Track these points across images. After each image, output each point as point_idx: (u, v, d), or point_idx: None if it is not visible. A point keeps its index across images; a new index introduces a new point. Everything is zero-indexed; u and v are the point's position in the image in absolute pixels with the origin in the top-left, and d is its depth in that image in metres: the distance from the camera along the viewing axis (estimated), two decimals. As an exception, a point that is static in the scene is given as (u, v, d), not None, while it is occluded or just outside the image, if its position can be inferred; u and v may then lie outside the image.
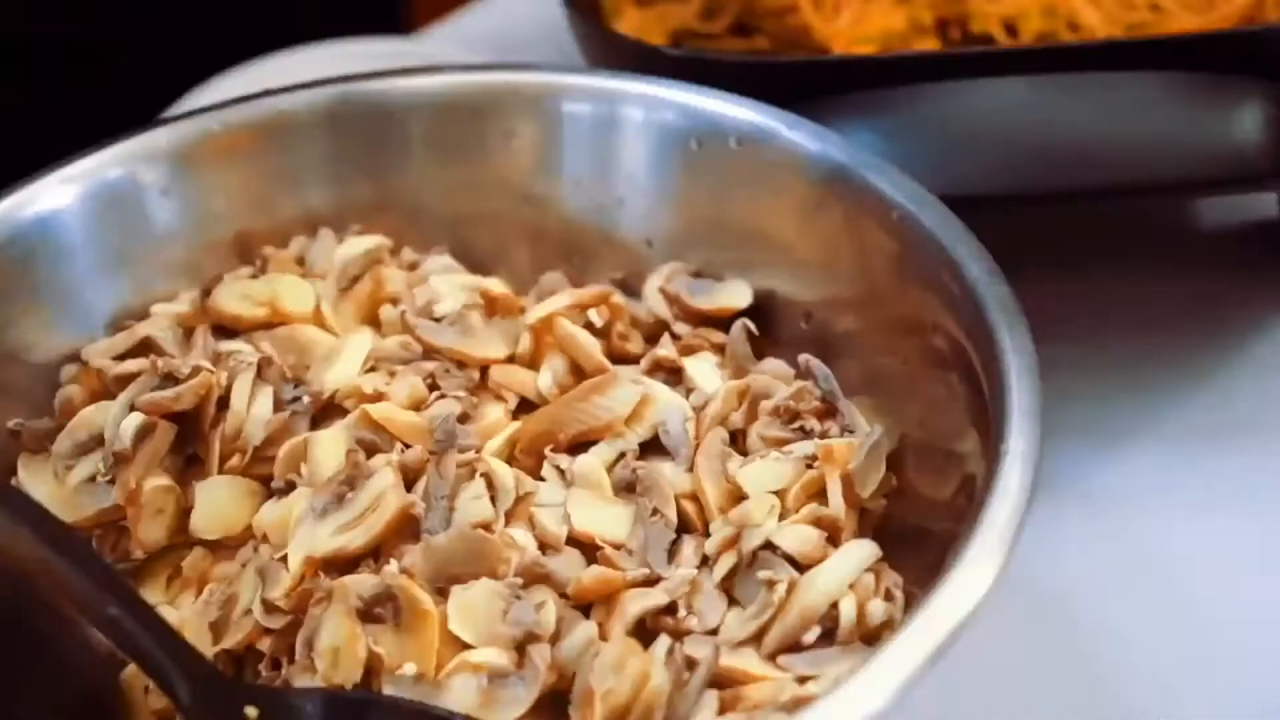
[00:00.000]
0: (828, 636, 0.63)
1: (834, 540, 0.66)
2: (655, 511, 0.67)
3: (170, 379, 0.70)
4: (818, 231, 0.74)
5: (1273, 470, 0.83)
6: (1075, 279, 0.91)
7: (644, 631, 0.63)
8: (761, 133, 0.75)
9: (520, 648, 0.62)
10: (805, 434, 0.70)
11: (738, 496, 0.68)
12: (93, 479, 0.69)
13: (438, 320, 0.75)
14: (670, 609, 0.64)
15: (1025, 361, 0.63)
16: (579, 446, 0.71)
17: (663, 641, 0.62)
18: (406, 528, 0.66)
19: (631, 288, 0.79)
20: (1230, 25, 0.92)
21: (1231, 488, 0.82)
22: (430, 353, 0.74)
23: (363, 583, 0.63)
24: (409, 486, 0.67)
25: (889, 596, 0.64)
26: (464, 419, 0.71)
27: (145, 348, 0.74)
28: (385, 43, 1.07)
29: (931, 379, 0.68)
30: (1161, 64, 0.80)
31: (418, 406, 0.72)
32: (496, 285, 0.77)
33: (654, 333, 0.77)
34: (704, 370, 0.74)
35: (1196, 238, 0.94)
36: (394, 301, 0.77)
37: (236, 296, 0.76)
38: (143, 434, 0.69)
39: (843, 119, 0.80)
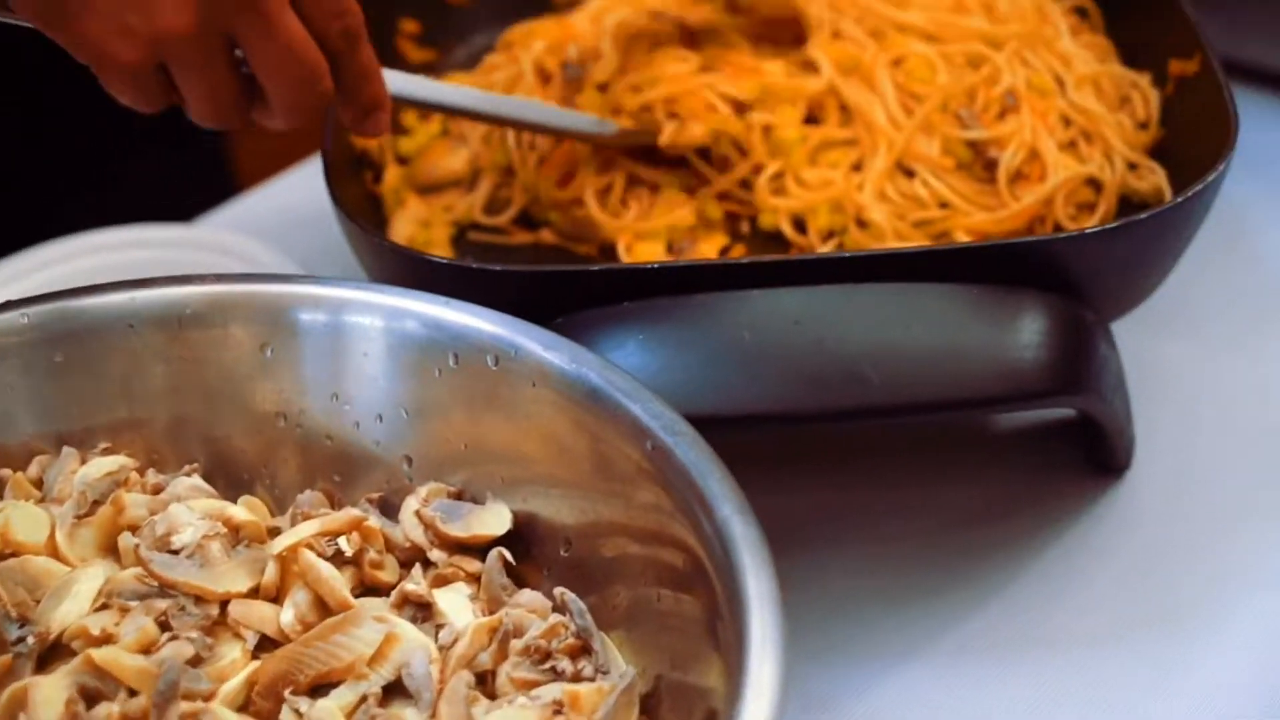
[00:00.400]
0: None
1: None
2: (392, 763, 0.64)
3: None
4: (574, 456, 0.71)
5: (1059, 685, 0.80)
6: (859, 483, 0.89)
7: None
8: (518, 352, 0.72)
9: None
10: (557, 674, 0.67)
11: (480, 745, 0.64)
12: None
13: (176, 552, 0.71)
14: None
15: (770, 614, 0.60)
16: (321, 687, 0.67)
17: None
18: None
19: (392, 505, 0.76)
20: (1020, 223, 0.91)
21: (1015, 707, 0.79)
22: (167, 587, 0.70)
23: None
24: (131, 739, 0.63)
25: None
26: (196, 661, 0.67)
27: None
28: (166, 230, 1.04)
29: (684, 615, 0.66)
30: (940, 275, 0.78)
31: (148, 648, 0.68)
32: (240, 512, 0.74)
33: (411, 557, 0.74)
34: (456, 604, 0.71)
35: (992, 437, 0.92)
36: (134, 529, 0.73)
37: (-36, 525, 0.72)
38: None
39: (614, 329, 0.78)
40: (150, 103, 0.79)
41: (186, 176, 1.17)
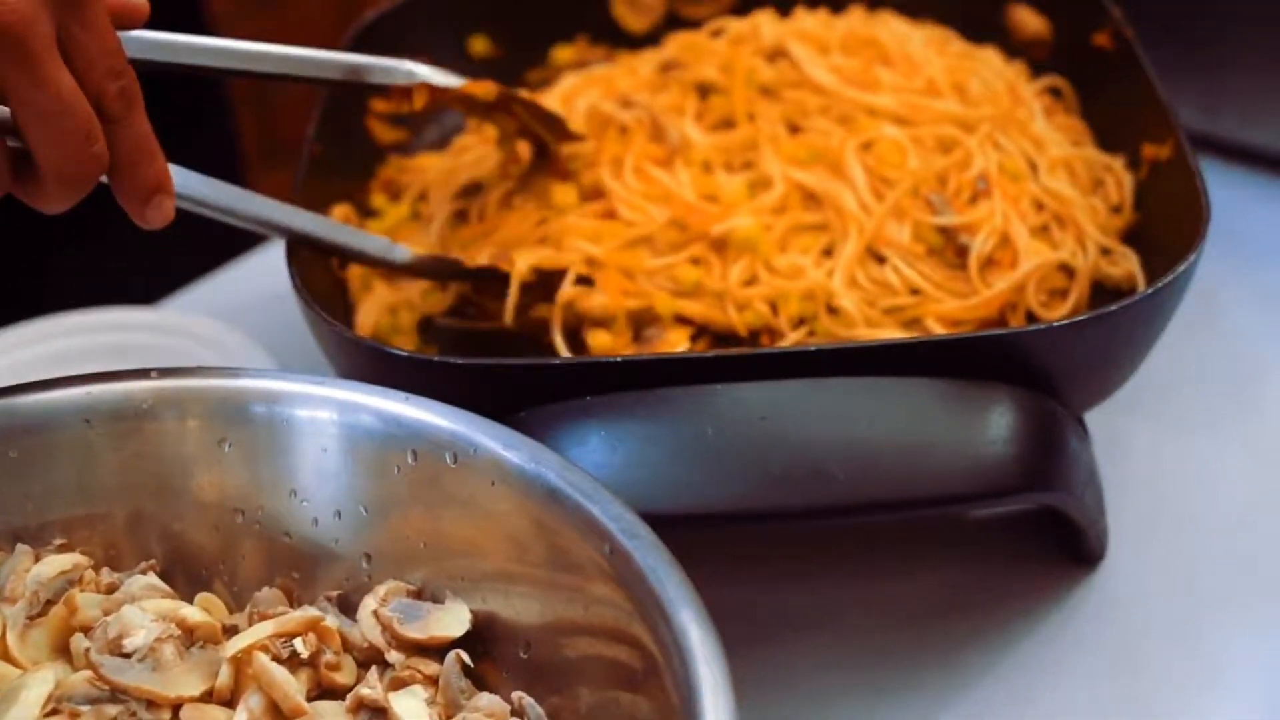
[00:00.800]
0: None
1: None
2: None
3: None
4: (534, 555, 0.70)
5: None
6: (825, 573, 0.88)
7: None
8: (477, 449, 0.71)
9: None
10: (514, 782, 0.66)
11: None
12: None
13: (129, 655, 0.70)
14: None
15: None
16: (273, 796, 0.66)
17: None
18: None
19: (352, 603, 0.75)
20: (992, 310, 0.90)
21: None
22: (118, 691, 0.69)
23: None
24: None
25: None
26: (146, 769, 0.66)
27: None
28: (126, 312, 1.03)
29: (643, 721, 0.65)
30: (908, 367, 0.77)
31: (97, 755, 0.66)
32: (195, 613, 0.72)
33: (369, 658, 0.73)
34: (413, 708, 0.69)
35: (962, 525, 0.91)
36: (86, 630, 0.72)
37: (-89, 629, 0.71)
38: None
39: (577, 424, 0.77)
40: None
41: (148, 258, 1.16)
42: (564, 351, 0.90)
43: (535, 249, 0.92)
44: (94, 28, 0.73)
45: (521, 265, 0.91)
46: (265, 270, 1.12)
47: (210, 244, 1.14)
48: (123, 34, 0.77)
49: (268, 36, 0.90)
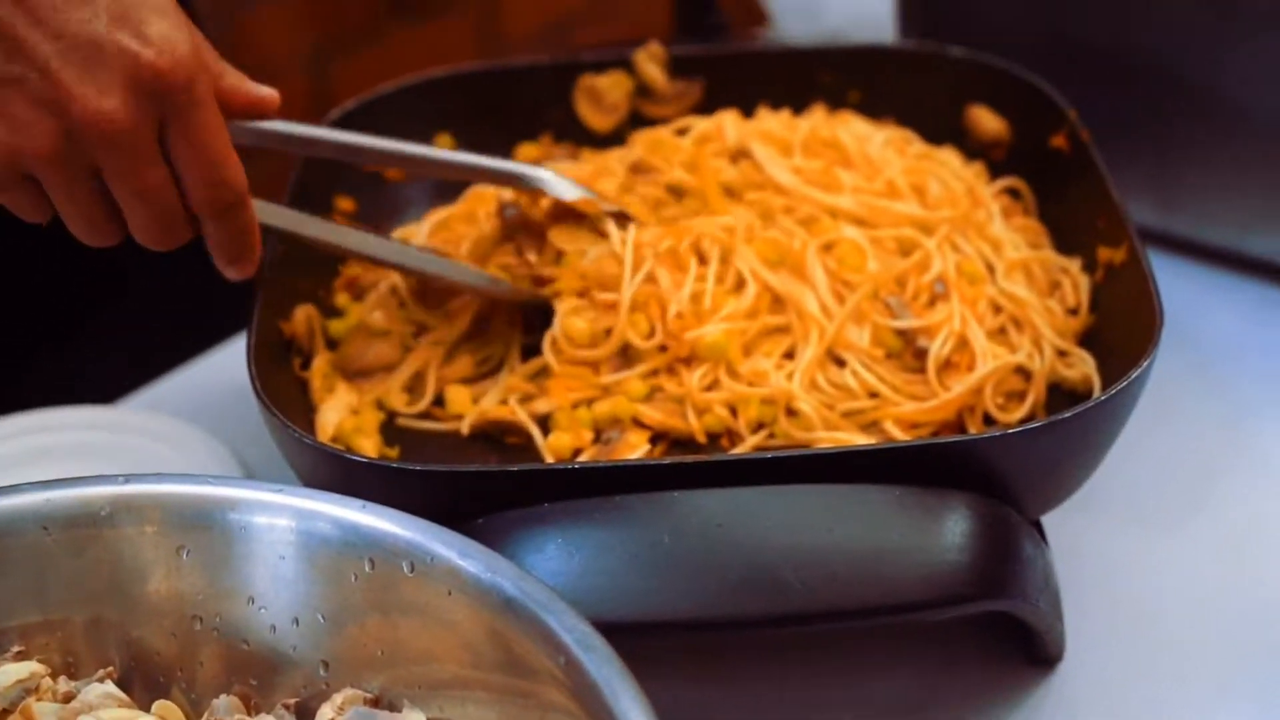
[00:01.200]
0: None
1: None
2: None
3: None
4: (490, 663, 0.71)
5: None
6: (784, 676, 0.88)
7: None
8: (433, 559, 0.72)
9: None
10: None
11: None
12: None
13: (83, 765, 0.70)
14: None
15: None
16: None
17: None
18: None
19: (309, 710, 0.75)
20: (949, 413, 0.91)
21: None
22: (72, 802, 0.69)
23: None
24: None
25: None
26: None
27: None
28: (85, 411, 1.03)
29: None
30: (865, 474, 0.78)
31: None
32: (150, 724, 0.73)
33: (325, 767, 0.73)
34: (368, 817, 0.69)
35: (921, 626, 0.91)
36: (42, 740, 0.72)
37: None
38: None
39: (534, 531, 0.78)
40: (28, 214, 0.81)
41: (106, 356, 1.17)
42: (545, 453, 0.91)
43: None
44: (194, 139, 0.79)
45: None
46: (224, 367, 1.12)
47: (169, 341, 1.15)
48: (254, 124, 0.85)
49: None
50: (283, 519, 0.75)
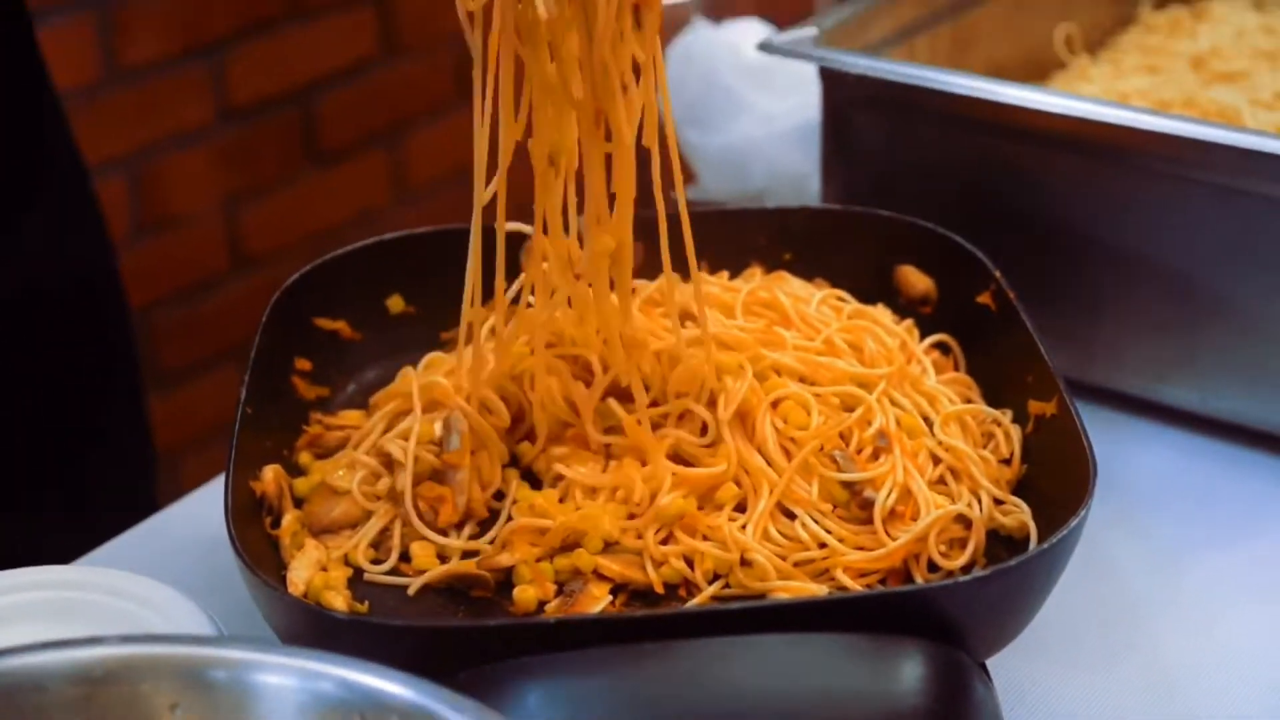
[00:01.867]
0: None
1: None
2: None
3: None
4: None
5: None
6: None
7: None
8: (423, 715, 0.75)
9: None
10: None
11: None
12: None
13: None
14: None
15: None
16: None
17: None
18: None
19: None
20: (896, 561, 0.95)
21: None
22: None
23: None
24: None
25: None
26: None
27: None
28: (48, 572, 1.04)
29: None
30: (822, 622, 0.82)
31: None
32: None
33: None
34: None
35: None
36: None
37: None
38: None
39: (513, 685, 0.81)
40: None
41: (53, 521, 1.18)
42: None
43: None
44: None
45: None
46: (180, 522, 1.15)
47: (116, 501, 1.17)
48: None
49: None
50: (276, 677, 0.77)
